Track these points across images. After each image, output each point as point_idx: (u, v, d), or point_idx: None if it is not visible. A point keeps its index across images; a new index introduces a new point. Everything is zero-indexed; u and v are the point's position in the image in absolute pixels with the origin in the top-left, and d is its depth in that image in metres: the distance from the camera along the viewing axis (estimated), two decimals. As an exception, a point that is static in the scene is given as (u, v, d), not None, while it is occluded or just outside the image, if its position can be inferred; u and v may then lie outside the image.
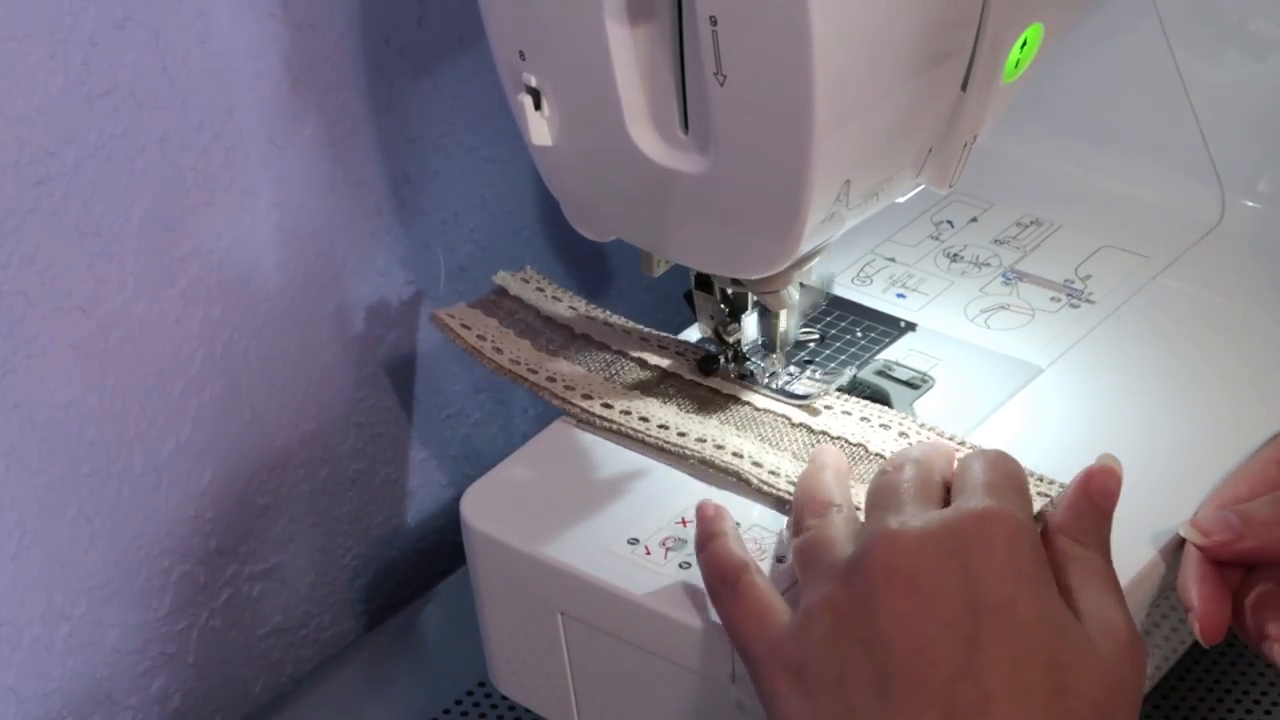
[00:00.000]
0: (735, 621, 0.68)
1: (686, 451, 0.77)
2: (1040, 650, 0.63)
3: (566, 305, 0.85)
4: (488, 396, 0.95)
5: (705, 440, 0.78)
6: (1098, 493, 0.69)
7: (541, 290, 0.86)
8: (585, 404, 0.80)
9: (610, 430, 0.79)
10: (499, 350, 0.82)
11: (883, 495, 0.69)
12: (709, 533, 0.71)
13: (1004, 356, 0.83)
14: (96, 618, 0.79)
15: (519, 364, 0.82)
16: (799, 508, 0.72)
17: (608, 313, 0.85)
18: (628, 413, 0.79)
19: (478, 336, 0.83)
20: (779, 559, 0.73)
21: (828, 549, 0.68)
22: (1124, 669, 0.65)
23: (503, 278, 0.86)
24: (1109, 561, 0.69)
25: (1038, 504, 0.70)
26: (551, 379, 0.81)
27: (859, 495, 0.74)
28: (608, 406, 0.80)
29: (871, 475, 0.73)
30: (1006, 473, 0.69)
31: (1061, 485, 0.72)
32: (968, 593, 0.64)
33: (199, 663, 0.84)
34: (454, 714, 0.85)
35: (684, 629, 0.71)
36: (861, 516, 0.71)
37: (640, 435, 0.78)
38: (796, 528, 0.71)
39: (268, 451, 0.84)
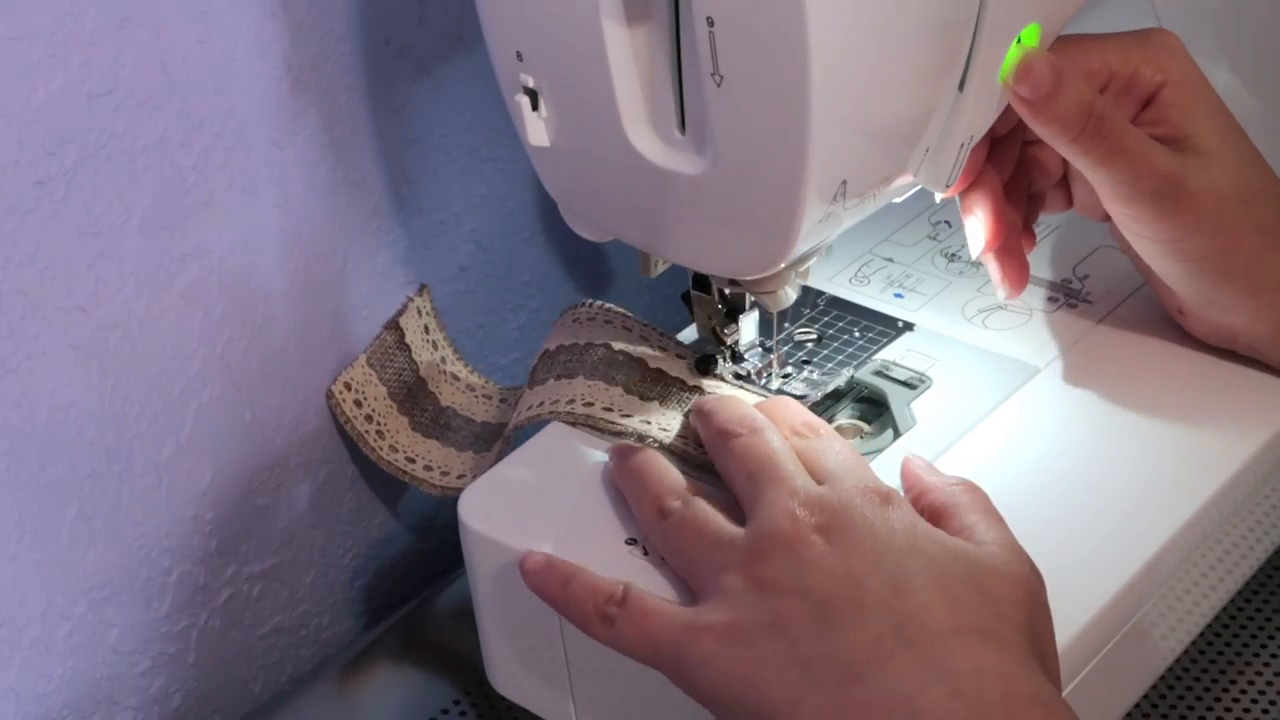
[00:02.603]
0: (634, 626, 0.69)
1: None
2: (958, 572, 0.66)
3: (439, 356, 0.88)
4: (487, 397, 0.95)
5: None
6: (924, 462, 0.74)
7: (427, 331, 0.88)
8: (459, 482, 0.84)
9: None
10: (380, 435, 0.85)
11: (757, 466, 0.71)
12: (564, 574, 0.72)
13: (1001, 356, 0.83)
14: (96, 618, 0.79)
15: (397, 451, 0.85)
16: (653, 493, 0.73)
17: (469, 370, 0.89)
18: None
19: (365, 418, 0.85)
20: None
21: (713, 525, 0.70)
22: (1033, 582, 0.68)
23: (406, 320, 0.87)
24: (983, 493, 0.71)
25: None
26: (429, 468, 0.85)
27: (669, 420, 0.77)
28: (461, 477, 0.84)
29: None
30: (852, 453, 0.73)
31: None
32: (881, 541, 0.67)
33: (199, 663, 0.84)
34: (454, 714, 0.85)
35: (682, 628, 0.71)
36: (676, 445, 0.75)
37: None
38: (659, 512, 0.73)
39: (268, 451, 0.84)
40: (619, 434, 0.78)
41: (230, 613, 0.85)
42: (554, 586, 0.72)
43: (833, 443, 0.73)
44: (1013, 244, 0.81)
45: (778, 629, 0.66)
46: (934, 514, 0.71)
